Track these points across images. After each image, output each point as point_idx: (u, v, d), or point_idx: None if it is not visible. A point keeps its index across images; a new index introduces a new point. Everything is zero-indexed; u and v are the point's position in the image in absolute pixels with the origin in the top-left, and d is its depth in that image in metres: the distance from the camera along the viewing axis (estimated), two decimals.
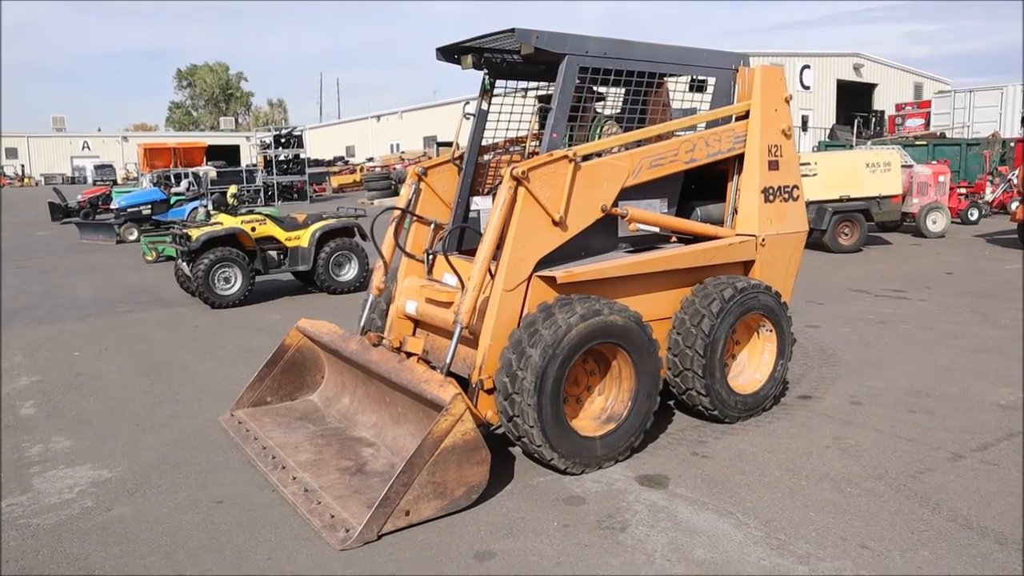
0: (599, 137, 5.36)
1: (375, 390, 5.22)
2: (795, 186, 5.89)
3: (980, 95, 31.75)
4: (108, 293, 12.01)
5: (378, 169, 37.78)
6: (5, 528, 4.22)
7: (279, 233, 10.91)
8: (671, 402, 5.77)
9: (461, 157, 6.00)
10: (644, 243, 5.54)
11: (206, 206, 17.43)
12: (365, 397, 5.40)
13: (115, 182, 42.73)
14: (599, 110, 5.70)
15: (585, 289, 4.91)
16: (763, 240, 5.67)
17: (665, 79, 5.73)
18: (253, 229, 10.67)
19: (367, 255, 11.15)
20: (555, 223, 4.80)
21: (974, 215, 18.45)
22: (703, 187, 5.93)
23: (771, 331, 5.69)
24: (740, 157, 5.72)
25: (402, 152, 45.72)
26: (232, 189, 20.58)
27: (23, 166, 64.45)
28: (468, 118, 6.05)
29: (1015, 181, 16.29)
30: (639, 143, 5.26)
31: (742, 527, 4.06)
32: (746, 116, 5.70)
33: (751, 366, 5.75)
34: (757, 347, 5.77)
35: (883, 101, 40.14)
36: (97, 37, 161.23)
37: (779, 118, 5.76)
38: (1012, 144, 21.45)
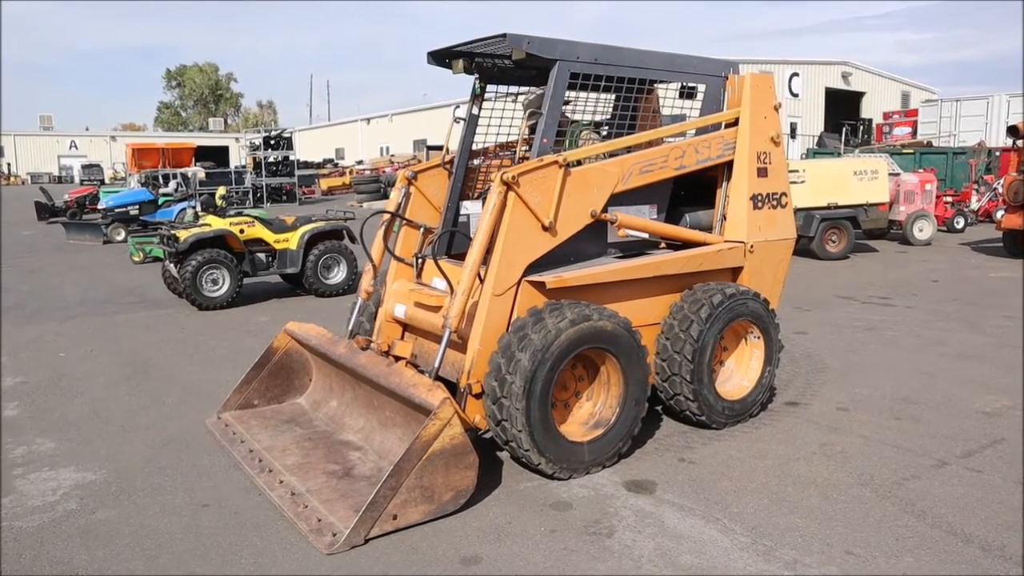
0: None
1: (363, 394, 5.20)
2: (783, 193, 5.92)
3: (966, 104, 32.09)
4: (94, 294, 11.92)
5: (367, 172, 37.74)
6: None
7: (268, 235, 10.87)
8: (659, 408, 5.78)
9: (451, 161, 6.00)
10: (633, 249, 5.56)
11: (194, 207, 17.33)
12: (353, 401, 5.38)
13: (103, 182, 42.45)
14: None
15: (574, 294, 4.91)
16: (752, 247, 5.69)
17: (655, 85, 5.75)
18: (241, 231, 10.63)
19: (356, 258, 11.12)
20: (545, 228, 4.80)
21: (960, 223, 18.61)
22: (692, 193, 5.96)
23: (759, 337, 5.71)
24: (729, 164, 5.75)
25: (392, 155, 45.68)
26: (221, 190, 20.46)
27: (9, 164, 63.94)
28: (459, 122, 6.05)
29: (1000, 190, 16.43)
30: (629, 149, 5.28)
31: (728, 533, 4.07)
32: (735, 123, 5.73)
33: (739, 372, 5.78)
34: (745, 353, 5.79)
35: (871, 109, 40.51)
36: (86, 34, 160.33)
37: (768, 125, 5.79)
38: (998, 153, 21.67)
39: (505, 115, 6.14)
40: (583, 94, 5.50)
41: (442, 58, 5.61)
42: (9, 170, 62.91)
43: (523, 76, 5.90)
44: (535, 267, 4.85)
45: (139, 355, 8.02)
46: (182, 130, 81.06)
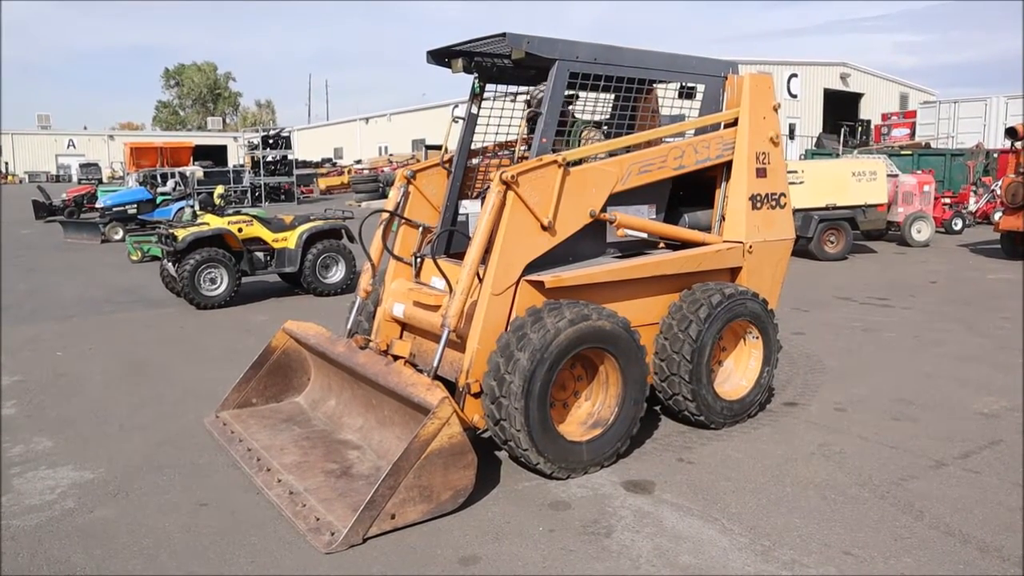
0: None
1: (361, 393, 5.20)
2: (782, 193, 5.92)
3: (964, 106, 32.14)
4: (92, 293, 11.91)
5: (366, 171, 37.71)
6: None
7: (266, 234, 10.86)
8: (657, 407, 5.78)
9: (450, 161, 5.99)
10: (632, 249, 5.56)
11: (192, 206, 17.34)
12: (351, 400, 5.38)
13: (100, 181, 42.41)
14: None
15: (573, 294, 4.91)
16: (750, 247, 5.70)
17: (654, 85, 5.75)
18: (240, 230, 10.62)
19: (354, 257, 11.11)
20: (544, 228, 4.80)
21: (958, 225, 18.63)
22: (691, 194, 5.96)
23: (757, 338, 5.71)
24: (728, 164, 5.75)
25: (390, 155, 45.67)
26: (219, 189, 20.50)
27: (7, 163, 63.84)
28: (457, 121, 6.05)
29: (998, 192, 16.46)
30: (628, 149, 5.28)
31: (727, 533, 4.07)
32: (735, 123, 5.73)
33: (737, 372, 5.78)
34: (743, 353, 5.79)
35: (869, 110, 40.53)
36: (84, 33, 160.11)
37: (767, 126, 5.79)
38: (995, 155, 21.70)
39: (504, 114, 6.14)
40: (583, 93, 5.49)
41: (441, 57, 5.61)
42: (7, 169, 62.80)
43: (522, 76, 5.89)
44: (534, 266, 4.85)
45: (137, 354, 8.01)
46: (180, 129, 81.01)
